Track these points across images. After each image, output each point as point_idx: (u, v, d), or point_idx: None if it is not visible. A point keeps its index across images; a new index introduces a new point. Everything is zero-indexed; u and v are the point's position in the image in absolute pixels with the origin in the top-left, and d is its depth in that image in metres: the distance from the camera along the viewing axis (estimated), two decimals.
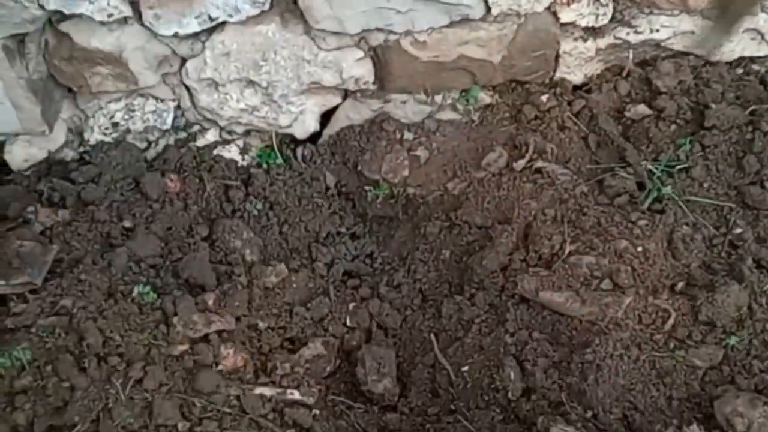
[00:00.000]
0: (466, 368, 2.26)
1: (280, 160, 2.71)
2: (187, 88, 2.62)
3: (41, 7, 2.31)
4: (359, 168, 2.69)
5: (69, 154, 2.69)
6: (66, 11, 2.34)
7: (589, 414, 2.07)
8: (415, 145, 2.70)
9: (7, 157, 2.63)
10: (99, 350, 2.09)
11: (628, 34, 2.67)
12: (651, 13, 2.64)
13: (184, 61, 2.55)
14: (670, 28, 2.66)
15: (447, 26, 2.54)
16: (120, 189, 2.54)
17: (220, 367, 2.19)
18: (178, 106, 2.69)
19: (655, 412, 2.06)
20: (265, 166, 2.72)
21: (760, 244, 2.34)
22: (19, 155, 2.63)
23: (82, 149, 2.69)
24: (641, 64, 2.77)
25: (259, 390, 2.17)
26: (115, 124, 2.66)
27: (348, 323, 2.46)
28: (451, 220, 2.60)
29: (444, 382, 2.29)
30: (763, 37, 2.74)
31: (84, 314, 2.13)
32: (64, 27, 2.41)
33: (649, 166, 2.53)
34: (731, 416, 1.97)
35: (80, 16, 2.36)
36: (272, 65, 2.56)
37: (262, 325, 2.34)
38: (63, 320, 2.13)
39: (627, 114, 2.68)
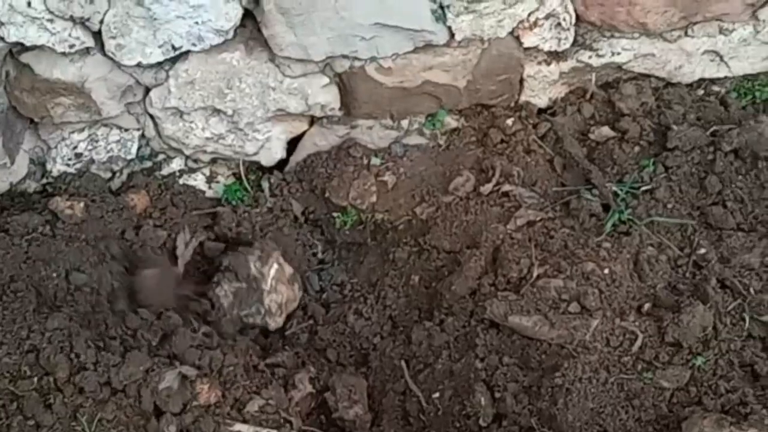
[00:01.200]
0: (437, 395, 2.26)
1: (246, 198, 2.71)
2: (152, 117, 2.61)
3: (1, 38, 2.29)
4: (327, 195, 2.69)
5: (32, 186, 2.66)
6: (27, 43, 2.32)
7: None
8: (383, 171, 2.70)
9: None
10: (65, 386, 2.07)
11: (590, 57, 2.71)
12: (612, 36, 2.68)
13: (147, 90, 2.54)
14: (630, 51, 2.70)
15: (411, 52, 2.55)
16: None
17: (194, 402, 2.16)
18: (143, 136, 2.67)
19: None
20: (233, 203, 2.72)
21: (724, 264, 2.37)
22: None
23: (44, 181, 2.66)
24: (604, 87, 2.80)
25: (236, 427, 2.15)
26: (79, 155, 2.63)
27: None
28: (420, 245, 2.60)
29: (415, 409, 2.28)
30: (722, 59, 2.79)
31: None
32: (25, 58, 2.39)
33: (614, 188, 2.55)
34: None
35: (41, 47, 2.34)
36: (237, 93, 2.56)
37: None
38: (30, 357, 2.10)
39: (591, 136, 2.71)
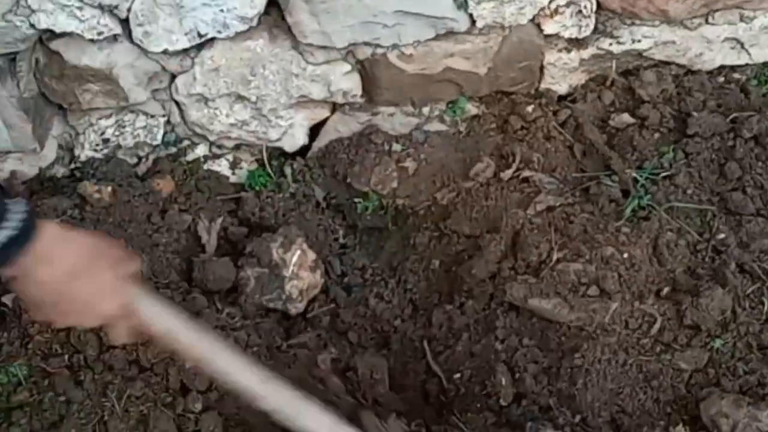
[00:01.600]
0: (457, 375, 2.30)
1: (269, 183, 2.75)
2: (177, 104, 2.66)
3: (32, 26, 2.34)
4: (348, 180, 2.72)
5: (60, 171, 2.71)
6: (57, 30, 2.37)
7: (578, 418, 2.10)
8: (404, 157, 2.73)
9: None
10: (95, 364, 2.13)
11: (610, 44, 2.72)
12: (632, 24, 2.69)
13: (173, 77, 2.58)
14: (651, 39, 2.71)
15: (433, 39, 2.58)
16: None
17: None
18: (168, 122, 2.72)
19: (643, 415, 2.10)
20: (256, 188, 2.76)
21: (743, 248, 2.38)
22: (8, 172, 2.66)
23: (72, 166, 2.71)
24: (624, 74, 2.82)
25: None
26: (106, 140, 2.68)
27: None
28: (440, 230, 2.63)
29: (435, 389, 2.32)
30: (742, 46, 2.80)
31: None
32: (54, 45, 2.44)
33: (634, 174, 2.57)
34: (716, 417, 2.01)
35: (71, 34, 2.39)
36: (261, 80, 2.60)
37: None
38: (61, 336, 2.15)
39: (611, 123, 2.73)
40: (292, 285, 2.53)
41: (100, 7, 2.34)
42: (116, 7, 2.35)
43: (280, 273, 2.52)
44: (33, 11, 2.31)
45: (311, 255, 2.58)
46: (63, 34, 2.40)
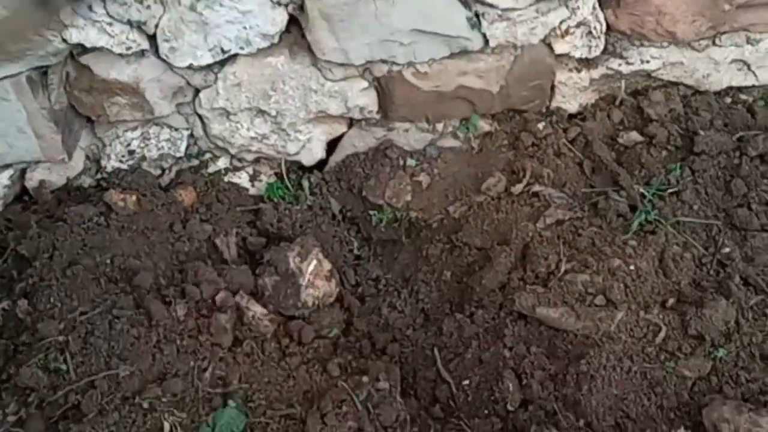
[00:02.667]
0: (467, 381, 2.35)
1: (288, 196, 2.84)
2: (200, 117, 2.76)
3: (64, 40, 2.45)
4: (364, 193, 2.81)
5: (87, 181, 2.82)
6: (87, 44, 2.48)
7: (582, 423, 2.16)
8: (418, 171, 2.82)
9: (28, 183, 2.76)
10: None
11: (619, 65, 2.80)
12: (641, 45, 2.77)
13: (197, 91, 2.69)
14: (659, 59, 2.79)
15: (447, 57, 2.67)
16: None
17: None
18: (191, 135, 2.82)
19: (647, 420, 2.15)
20: (274, 200, 2.85)
21: (748, 262, 2.44)
22: (37, 181, 2.77)
23: (99, 176, 2.81)
24: (633, 94, 2.90)
25: None
26: (132, 152, 2.79)
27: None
28: (452, 242, 2.71)
29: (445, 395, 2.37)
30: (749, 68, 2.87)
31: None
32: (84, 60, 2.56)
33: (642, 190, 2.64)
34: (718, 422, 2.06)
35: (100, 49, 2.50)
36: (281, 95, 2.69)
37: None
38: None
39: (620, 141, 2.80)
40: (308, 293, 2.60)
41: (129, 23, 2.45)
42: (144, 23, 2.46)
43: (297, 281, 2.59)
44: (65, 26, 2.42)
45: (327, 265, 2.65)
46: (93, 49, 2.51)
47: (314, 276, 2.63)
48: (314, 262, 2.64)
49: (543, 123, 2.83)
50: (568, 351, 2.31)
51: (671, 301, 2.37)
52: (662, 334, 2.28)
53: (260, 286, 2.57)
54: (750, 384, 2.16)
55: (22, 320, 2.32)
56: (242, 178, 2.90)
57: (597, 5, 2.67)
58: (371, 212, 2.81)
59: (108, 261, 2.44)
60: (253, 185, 2.91)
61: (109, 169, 2.79)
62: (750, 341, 2.26)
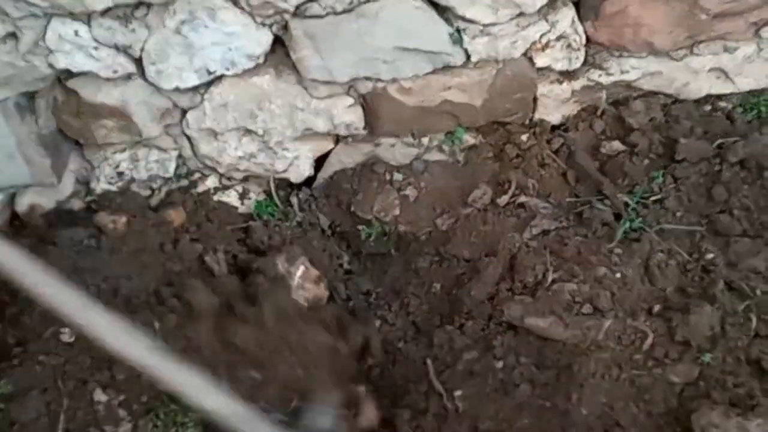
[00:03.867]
0: (458, 393, 2.38)
1: (277, 213, 2.87)
2: (188, 138, 2.78)
3: (50, 66, 2.47)
4: (352, 209, 2.84)
5: (76, 204, 2.83)
6: (74, 69, 2.50)
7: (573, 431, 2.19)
8: (405, 186, 2.85)
9: (18, 208, 2.78)
10: None
11: (600, 76, 2.85)
12: (621, 56, 2.82)
13: (184, 112, 2.71)
14: (639, 70, 2.83)
15: (430, 73, 2.70)
16: None
17: None
18: (180, 155, 2.84)
19: (636, 428, 2.18)
20: (264, 218, 2.87)
21: (731, 268, 2.48)
22: (27, 205, 2.78)
23: (89, 198, 2.83)
24: (614, 104, 2.93)
25: None
26: (121, 174, 2.81)
27: None
28: (441, 254, 2.74)
29: (436, 406, 2.40)
30: (727, 76, 2.91)
31: None
32: (71, 84, 2.58)
33: (625, 198, 2.68)
34: (707, 428, 2.09)
35: (87, 73, 2.52)
36: (268, 114, 2.72)
37: None
38: None
39: (603, 150, 2.84)
40: (298, 295, 2.63)
41: (115, 47, 2.48)
42: (130, 46, 2.48)
43: (286, 283, 2.62)
44: (51, 52, 2.44)
45: (314, 272, 2.68)
46: (80, 73, 2.53)
47: (303, 279, 2.66)
48: (302, 267, 2.68)
49: (526, 135, 2.87)
50: (557, 360, 2.34)
51: (657, 308, 2.41)
52: (649, 341, 2.32)
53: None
54: (737, 389, 2.20)
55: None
56: (231, 197, 2.92)
57: (576, 18, 2.72)
58: (360, 227, 2.84)
59: (100, 283, 2.46)
60: (242, 203, 2.93)
61: (98, 191, 2.81)
62: (736, 345, 2.29)
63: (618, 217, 2.66)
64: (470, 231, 2.71)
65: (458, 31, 2.61)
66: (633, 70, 2.84)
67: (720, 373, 2.26)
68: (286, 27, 2.53)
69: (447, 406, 2.37)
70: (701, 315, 2.32)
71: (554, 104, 2.90)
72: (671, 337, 2.33)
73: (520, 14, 2.60)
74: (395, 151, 2.89)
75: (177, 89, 2.61)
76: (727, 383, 2.23)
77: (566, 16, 2.69)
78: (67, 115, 2.65)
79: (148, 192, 2.86)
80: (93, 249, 2.57)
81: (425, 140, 2.89)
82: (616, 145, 2.83)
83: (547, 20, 2.66)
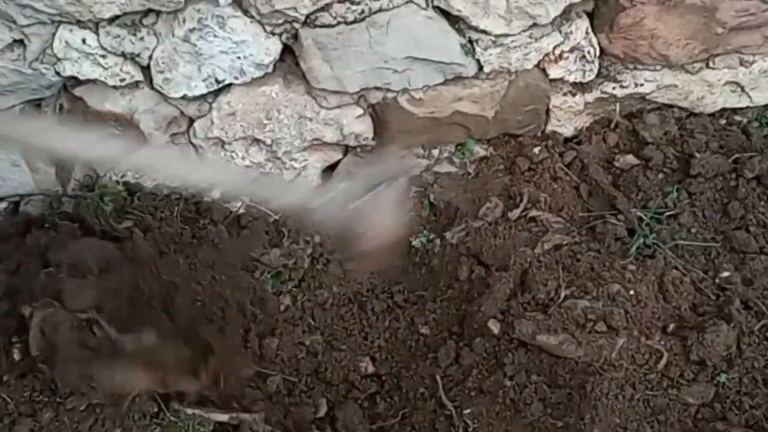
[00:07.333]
0: (468, 411, 2.33)
1: None
2: (195, 147, 2.74)
3: (57, 73, 2.44)
4: None
5: None
6: (81, 77, 2.47)
7: None
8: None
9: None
10: None
11: (614, 88, 2.81)
12: (635, 68, 2.78)
13: (191, 121, 2.68)
14: (653, 82, 2.80)
15: (441, 84, 2.67)
16: None
17: None
18: None
19: None
20: None
21: (747, 285, 2.43)
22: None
23: None
24: (628, 117, 2.89)
25: None
26: (126, 183, 2.77)
27: None
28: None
29: (444, 425, 2.35)
30: (743, 90, 2.87)
31: None
32: (78, 92, 2.55)
33: (639, 214, 2.64)
34: None
35: (94, 81, 2.49)
36: (276, 124, 2.69)
37: None
38: None
39: (616, 164, 2.80)
40: None
41: (123, 55, 2.44)
42: (138, 55, 2.45)
43: None
44: (59, 59, 2.41)
45: None
46: (87, 81, 2.50)
47: None
48: None
49: (539, 147, 2.83)
50: (570, 379, 2.29)
51: (672, 326, 2.36)
52: (664, 360, 2.27)
53: None
54: (753, 410, 2.15)
55: None
56: (238, 207, 2.88)
57: (590, 30, 2.68)
58: None
59: None
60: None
61: None
62: (752, 366, 2.25)
63: (631, 232, 2.61)
64: (481, 245, 2.67)
65: (470, 41, 2.58)
66: (647, 82, 2.80)
67: (736, 394, 2.21)
68: (296, 36, 2.50)
69: (456, 424, 2.32)
70: (717, 334, 2.27)
71: (567, 116, 2.86)
72: (686, 356, 2.28)
73: (534, 25, 2.57)
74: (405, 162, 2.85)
75: (185, 98, 2.58)
76: (744, 404, 2.18)
77: (580, 27, 2.65)
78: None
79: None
80: None
81: (435, 152, 2.86)
82: (630, 158, 2.78)
83: (560, 31, 2.63)
